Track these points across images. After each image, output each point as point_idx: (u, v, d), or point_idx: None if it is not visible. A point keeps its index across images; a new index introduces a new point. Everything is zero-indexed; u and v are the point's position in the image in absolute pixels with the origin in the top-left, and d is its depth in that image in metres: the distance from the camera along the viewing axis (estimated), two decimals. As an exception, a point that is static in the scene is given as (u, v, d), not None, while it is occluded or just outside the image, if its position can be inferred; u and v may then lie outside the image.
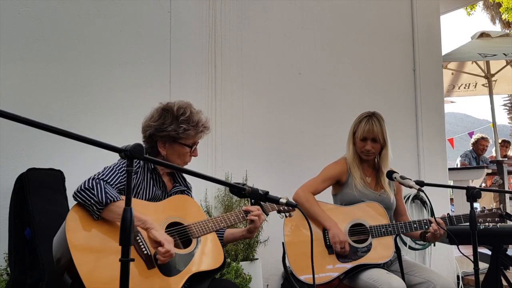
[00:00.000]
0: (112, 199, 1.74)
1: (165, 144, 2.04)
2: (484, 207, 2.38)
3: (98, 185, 1.75)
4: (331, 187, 2.67)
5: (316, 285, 1.91)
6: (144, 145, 2.08)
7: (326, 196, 2.66)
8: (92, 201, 1.71)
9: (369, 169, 2.62)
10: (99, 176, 1.81)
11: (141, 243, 1.77)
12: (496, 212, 2.34)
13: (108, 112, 3.03)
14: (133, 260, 1.26)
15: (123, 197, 1.73)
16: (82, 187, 1.74)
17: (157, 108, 2.08)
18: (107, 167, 1.90)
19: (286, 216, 2.22)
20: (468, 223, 2.08)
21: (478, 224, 2.29)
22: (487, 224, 2.32)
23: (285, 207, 2.19)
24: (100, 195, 1.72)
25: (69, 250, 1.61)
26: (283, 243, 2.42)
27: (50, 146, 2.76)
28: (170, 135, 2.01)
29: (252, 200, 1.72)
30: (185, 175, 2.21)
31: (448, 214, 2.41)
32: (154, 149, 2.06)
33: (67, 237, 1.64)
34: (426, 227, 2.38)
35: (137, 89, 3.14)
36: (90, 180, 1.77)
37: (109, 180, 1.83)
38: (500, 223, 2.34)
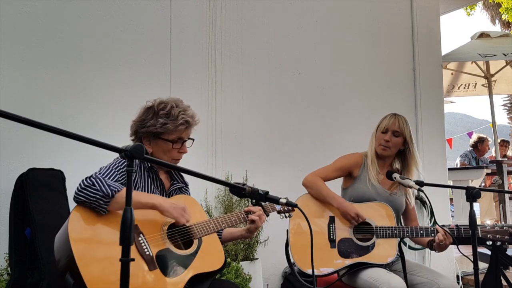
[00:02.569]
0: (116, 189, 1.73)
1: (150, 141, 2.04)
2: (495, 224, 2.35)
3: (97, 180, 1.74)
4: (341, 180, 2.66)
5: (315, 278, 1.91)
6: (133, 142, 2.07)
7: (335, 190, 2.64)
8: (97, 196, 1.70)
9: (384, 168, 2.60)
10: (96, 175, 1.80)
11: (143, 244, 1.77)
12: (507, 230, 2.30)
13: (109, 112, 3.03)
14: (133, 260, 1.26)
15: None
16: (82, 186, 1.73)
17: (145, 105, 2.08)
18: (103, 167, 1.90)
19: (286, 217, 2.23)
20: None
21: (486, 240, 2.28)
22: (495, 242, 2.30)
23: (285, 208, 2.20)
24: (104, 188, 1.71)
25: (72, 250, 1.61)
26: (287, 230, 2.43)
27: (50, 146, 2.76)
28: (150, 131, 2.00)
29: (253, 201, 1.72)
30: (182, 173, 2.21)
31: (456, 225, 2.39)
32: None
33: (70, 237, 1.63)
34: (433, 235, 2.37)
35: (137, 89, 3.14)
36: (87, 179, 1.75)
37: (106, 177, 1.82)
38: (509, 243, 2.32)
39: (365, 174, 2.55)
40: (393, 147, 2.54)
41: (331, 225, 2.43)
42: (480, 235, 2.28)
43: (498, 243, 2.31)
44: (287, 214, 2.22)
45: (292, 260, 2.36)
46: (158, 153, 2.03)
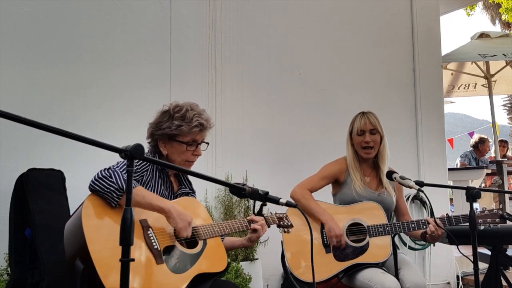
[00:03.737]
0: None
1: (165, 143, 2.07)
2: (485, 208, 2.36)
3: (115, 173, 1.78)
4: (331, 187, 2.67)
5: (315, 285, 1.91)
6: (149, 145, 2.12)
7: (326, 197, 2.66)
8: (112, 188, 1.74)
9: (368, 169, 2.62)
10: (113, 168, 1.84)
11: (152, 238, 1.80)
12: (496, 212, 2.33)
13: (108, 112, 3.03)
14: (133, 260, 1.27)
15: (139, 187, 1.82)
16: (99, 176, 1.76)
17: (162, 109, 2.12)
18: (120, 161, 1.92)
19: (285, 232, 2.26)
20: (467, 223, 2.08)
21: (478, 225, 2.28)
22: (487, 225, 2.31)
23: (285, 223, 2.24)
24: (120, 181, 1.75)
25: (84, 236, 1.63)
26: (281, 242, 2.43)
27: (50, 146, 2.77)
28: (165, 133, 2.04)
29: (255, 209, 1.74)
30: (190, 178, 2.23)
31: (447, 214, 2.41)
32: (157, 149, 2.08)
33: (83, 223, 1.65)
34: (424, 227, 2.39)
35: (137, 89, 3.14)
36: (106, 170, 1.79)
37: (123, 172, 1.85)
38: (500, 224, 2.33)
39: (350, 179, 2.56)
40: (375, 146, 2.55)
41: (323, 231, 2.44)
42: None
43: (490, 226, 2.30)
44: (286, 230, 2.25)
45: (289, 271, 2.36)
46: (173, 155, 2.07)
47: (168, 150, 2.07)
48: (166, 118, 2.05)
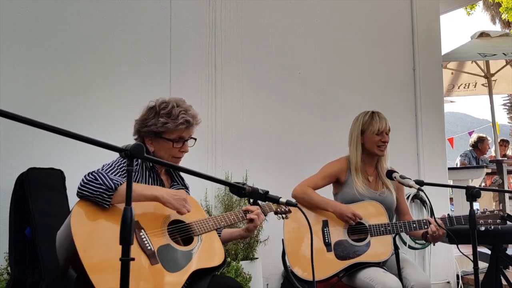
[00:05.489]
0: (118, 182, 1.75)
1: (152, 140, 2.06)
2: (486, 209, 2.36)
3: (99, 175, 1.76)
4: (332, 186, 2.68)
5: (315, 283, 1.91)
6: (136, 141, 2.09)
7: (327, 196, 2.66)
8: (101, 190, 1.72)
9: (370, 169, 2.62)
10: (97, 171, 1.83)
11: (144, 239, 1.79)
12: (497, 213, 2.33)
13: (108, 112, 3.03)
14: (133, 259, 1.27)
15: None
16: (85, 181, 1.75)
17: (148, 105, 2.10)
18: (106, 164, 1.92)
19: (283, 218, 2.24)
20: (468, 224, 2.08)
21: (479, 225, 2.28)
22: (488, 226, 2.31)
23: (282, 209, 2.22)
24: (107, 181, 1.74)
25: (75, 245, 1.62)
26: (282, 240, 2.43)
27: (50, 146, 2.77)
28: (151, 130, 2.02)
29: (252, 200, 1.73)
30: (183, 175, 2.22)
31: (448, 214, 2.40)
32: (144, 146, 2.06)
33: (72, 231, 1.64)
34: (426, 227, 2.39)
35: (137, 89, 3.14)
36: (89, 174, 1.78)
37: (108, 173, 1.84)
38: (501, 225, 2.33)
39: (351, 179, 2.56)
40: (388, 144, 2.58)
41: (325, 229, 2.44)
42: None
43: (492, 227, 2.30)
44: (284, 215, 2.23)
45: (290, 268, 2.36)
46: (160, 152, 2.05)
47: (155, 147, 2.05)
48: (152, 115, 2.03)
